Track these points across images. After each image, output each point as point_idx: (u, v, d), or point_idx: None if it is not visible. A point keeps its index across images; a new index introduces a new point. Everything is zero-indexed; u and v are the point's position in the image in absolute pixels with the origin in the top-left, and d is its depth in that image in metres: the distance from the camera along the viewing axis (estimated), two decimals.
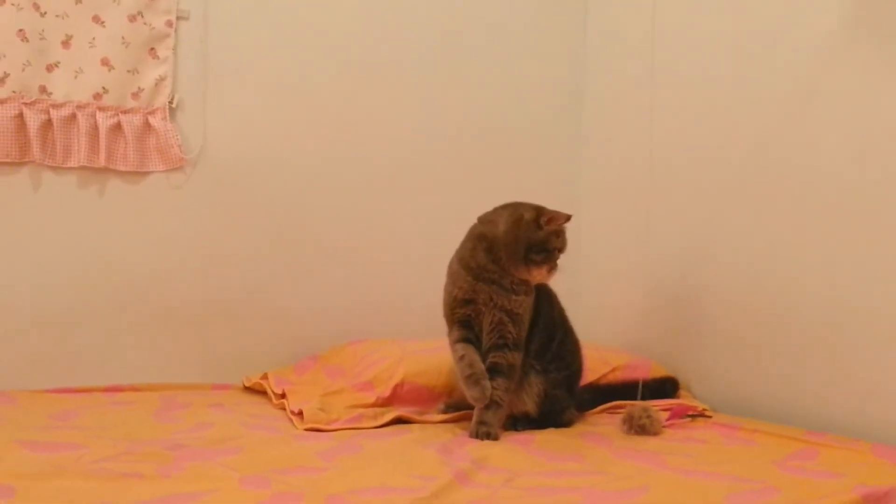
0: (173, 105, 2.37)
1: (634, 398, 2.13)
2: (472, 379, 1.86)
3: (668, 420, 1.98)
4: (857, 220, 1.91)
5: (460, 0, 2.72)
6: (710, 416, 2.07)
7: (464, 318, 1.93)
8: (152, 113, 2.35)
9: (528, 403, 1.94)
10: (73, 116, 2.27)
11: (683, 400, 2.21)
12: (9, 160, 2.22)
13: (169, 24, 2.35)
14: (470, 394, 1.86)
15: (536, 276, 1.92)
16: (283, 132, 2.51)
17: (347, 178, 2.59)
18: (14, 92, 2.21)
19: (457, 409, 2.03)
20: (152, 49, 2.34)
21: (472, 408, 1.91)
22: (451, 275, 1.98)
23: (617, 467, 1.60)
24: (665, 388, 2.24)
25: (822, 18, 2.01)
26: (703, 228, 2.33)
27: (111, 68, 2.30)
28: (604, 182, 2.74)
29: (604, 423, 1.99)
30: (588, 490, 1.42)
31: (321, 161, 2.56)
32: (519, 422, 1.94)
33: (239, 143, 2.46)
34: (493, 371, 1.88)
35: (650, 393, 2.19)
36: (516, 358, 1.91)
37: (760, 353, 2.14)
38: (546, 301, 2.02)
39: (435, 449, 1.70)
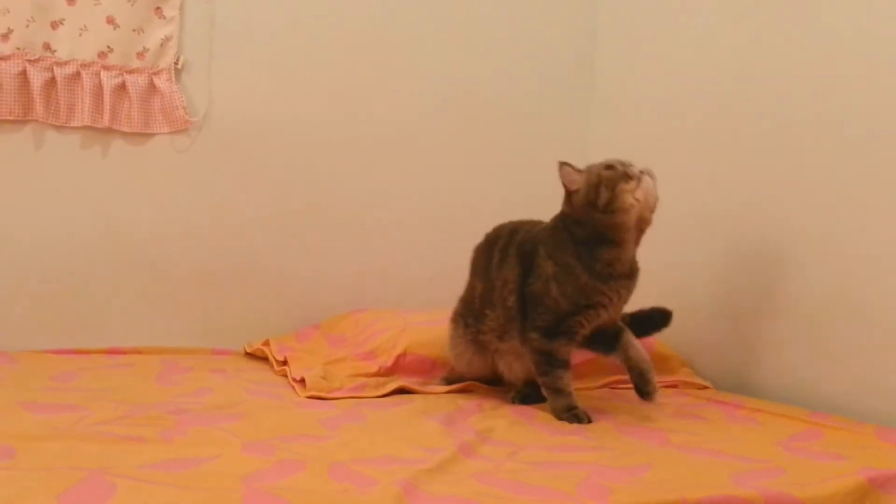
0: (179, 66, 2.33)
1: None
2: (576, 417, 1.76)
3: None
4: (869, 200, 1.89)
5: None
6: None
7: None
8: (157, 73, 2.32)
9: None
10: (78, 75, 2.24)
11: (685, 376, 2.21)
12: (11, 118, 2.20)
13: None
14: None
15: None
16: (290, 96, 2.48)
17: (354, 144, 2.56)
18: (18, 49, 2.18)
19: (457, 382, 2.03)
20: (158, 8, 2.30)
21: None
22: None
23: (620, 443, 1.59)
24: (654, 320, 2.08)
25: None
26: (711, 201, 2.31)
27: (116, 27, 2.26)
28: (614, 150, 2.70)
29: (607, 399, 1.99)
30: (592, 465, 1.42)
31: (328, 125, 2.53)
32: (527, 397, 1.92)
33: (244, 106, 2.43)
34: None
35: (640, 327, 2.05)
36: None
37: (764, 331, 2.13)
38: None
39: (438, 420, 1.69)
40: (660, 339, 2.30)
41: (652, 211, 1.77)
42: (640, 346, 1.86)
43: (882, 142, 1.87)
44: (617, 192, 1.70)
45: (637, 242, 1.81)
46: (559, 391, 1.80)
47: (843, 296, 1.93)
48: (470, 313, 1.96)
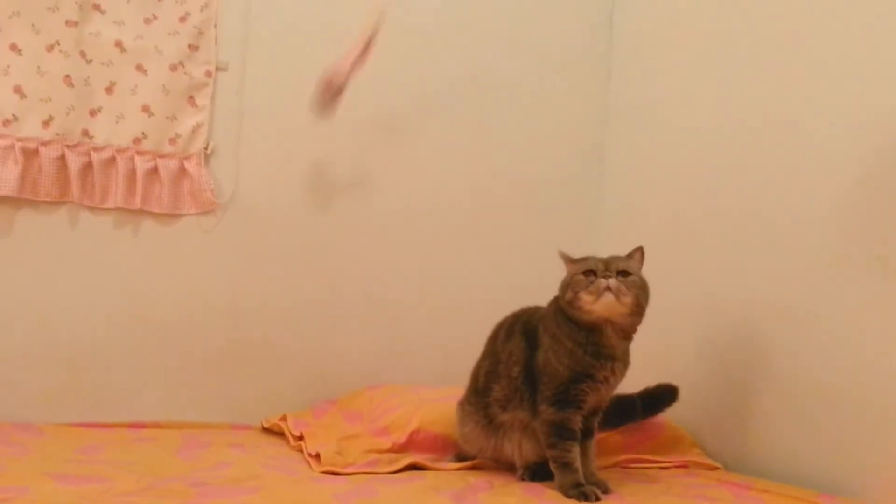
0: (208, 151, 2.46)
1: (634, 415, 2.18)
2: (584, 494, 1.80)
3: None
4: (884, 285, 1.94)
5: (485, 57, 2.81)
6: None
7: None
8: (188, 158, 2.44)
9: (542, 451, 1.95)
10: (113, 159, 2.37)
11: (696, 457, 2.23)
12: (49, 199, 2.31)
13: (208, 74, 2.46)
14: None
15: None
16: (309, 180, 2.59)
17: (371, 227, 2.66)
18: (57, 135, 2.30)
19: (468, 459, 2.07)
20: (191, 97, 2.44)
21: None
22: None
23: None
24: (662, 397, 2.20)
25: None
26: (719, 286, 2.36)
27: (151, 115, 2.40)
28: (624, 236, 2.78)
29: (617, 478, 2.01)
30: None
31: (345, 209, 2.63)
32: (536, 473, 1.96)
33: (268, 189, 2.55)
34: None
35: (650, 405, 2.20)
36: None
37: (773, 412, 2.16)
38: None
39: (448, 497, 1.72)
40: (670, 420, 2.33)
41: (620, 317, 1.87)
42: (593, 458, 1.95)
43: (875, 230, 1.94)
44: (579, 295, 1.85)
45: (621, 336, 1.90)
46: (567, 465, 1.84)
47: (858, 376, 1.97)
48: (475, 391, 2.03)
